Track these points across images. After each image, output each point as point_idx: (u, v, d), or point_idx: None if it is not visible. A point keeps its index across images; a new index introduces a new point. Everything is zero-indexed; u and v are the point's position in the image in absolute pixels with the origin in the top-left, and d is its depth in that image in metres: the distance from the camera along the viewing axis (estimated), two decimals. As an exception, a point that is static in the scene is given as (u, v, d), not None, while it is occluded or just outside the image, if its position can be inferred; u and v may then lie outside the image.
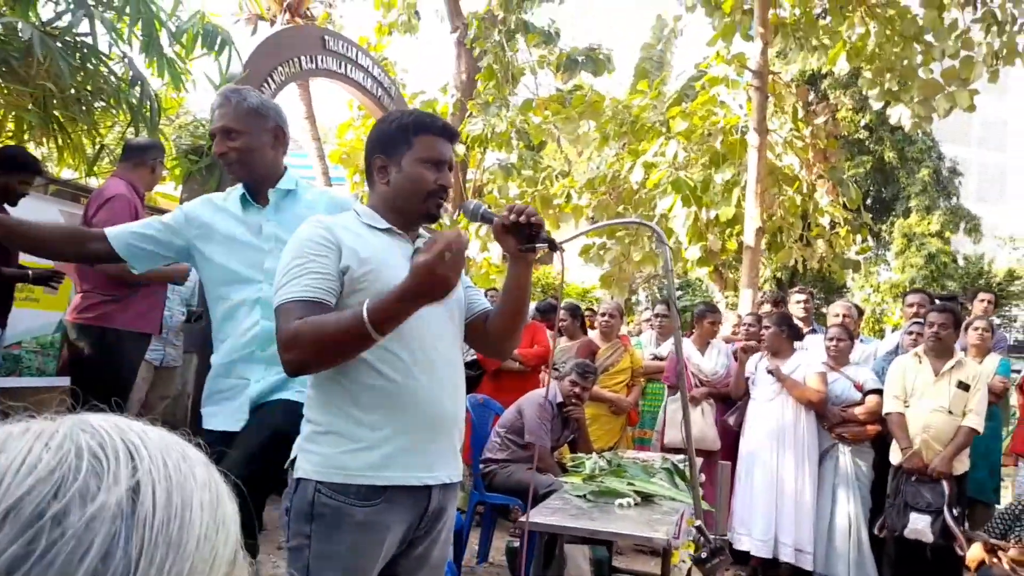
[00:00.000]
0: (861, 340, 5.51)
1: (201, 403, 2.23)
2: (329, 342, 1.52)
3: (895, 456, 4.21)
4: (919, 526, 3.99)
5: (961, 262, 16.92)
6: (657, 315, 5.85)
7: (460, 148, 10.76)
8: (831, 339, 4.68)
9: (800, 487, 4.45)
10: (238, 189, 2.24)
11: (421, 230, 1.84)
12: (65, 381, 4.65)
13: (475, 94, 10.95)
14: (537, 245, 1.69)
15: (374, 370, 1.61)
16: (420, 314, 1.57)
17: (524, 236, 1.67)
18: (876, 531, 4.26)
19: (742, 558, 4.58)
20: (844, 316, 5.11)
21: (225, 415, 2.13)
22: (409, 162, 1.71)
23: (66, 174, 5.63)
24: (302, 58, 6.95)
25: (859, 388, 4.54)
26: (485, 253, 11.34)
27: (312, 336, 1.52)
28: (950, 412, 4.08)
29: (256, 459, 1.97)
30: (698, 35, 10.09)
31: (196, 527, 0.41)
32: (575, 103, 9.48)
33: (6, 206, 3.64)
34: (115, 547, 0.38)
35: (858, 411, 4.48)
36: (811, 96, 10.18)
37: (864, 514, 4.41)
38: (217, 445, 1.93)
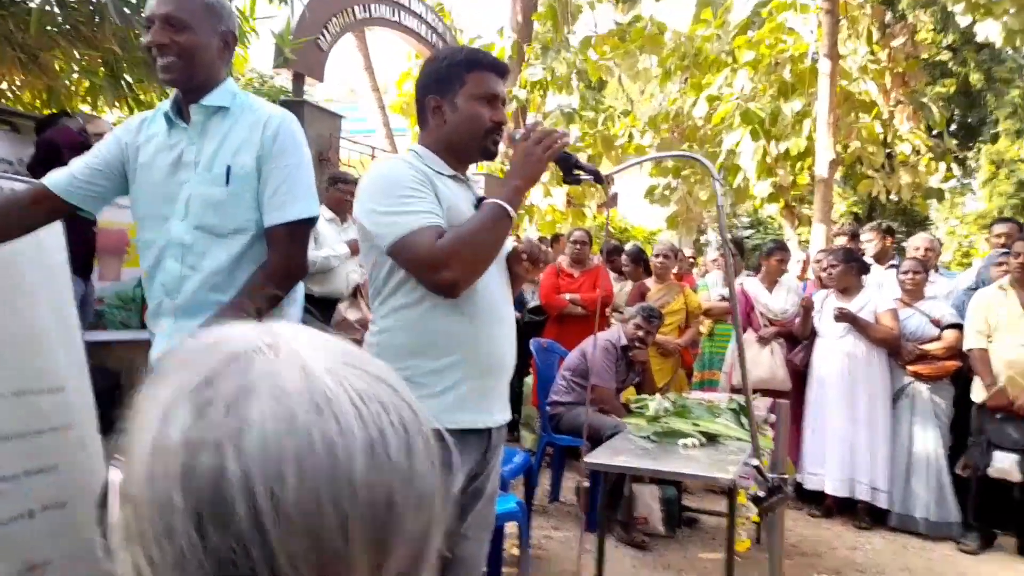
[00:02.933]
0: (942, 274, 5.26)
1: None
2: (484, 242, 1.60)
3: (978, 394, 4.04)
4: (1005, 465, 3.85)
5: (1056, 188, 15.78)
6: (723, 254, 5.71)
7: (521, 93, 10.62)
8: (905, 272, 4.48)
9: (874, 424, 4.34)
10: (163, 106, 1.86)
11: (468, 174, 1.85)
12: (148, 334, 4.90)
13: (533, 35, 10.71)
14: (582, 177, 1.69)
15: (444, 318, 1.64)
16: None
17: (567, 169, 1.68)
18: (958, 470, 4.12)
19: (816, 498, 4.53)
20: (926, 250, 4.87)
21: None
22: (464, 100, 1.70)
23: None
24: (356, 7, 6.94)
25: (936, 323, 4.35)
26: (549, 199, 11.26)
27: (469, 244, 1.57)
28: (1039, 346, 3.87)
29: None
30: (765, -43, 9.53)
31: None
32: (634, 36, 9.15)
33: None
34: None
35: (935, 347, 4.30)
36: (888, 17, 9.54)
37: (944, 452, 4.28)
38: None
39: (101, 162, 1.85)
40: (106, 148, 1.87)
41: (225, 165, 1.75)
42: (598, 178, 1.70)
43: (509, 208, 1.60)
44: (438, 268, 1.56)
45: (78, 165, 1.86)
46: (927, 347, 4.32)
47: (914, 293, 4.46)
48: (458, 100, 1.70)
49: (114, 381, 4.68)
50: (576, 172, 1.69)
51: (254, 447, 0.41)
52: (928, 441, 4.28)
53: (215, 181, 1.74)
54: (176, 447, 0.42)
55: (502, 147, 2.00)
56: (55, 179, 1.83)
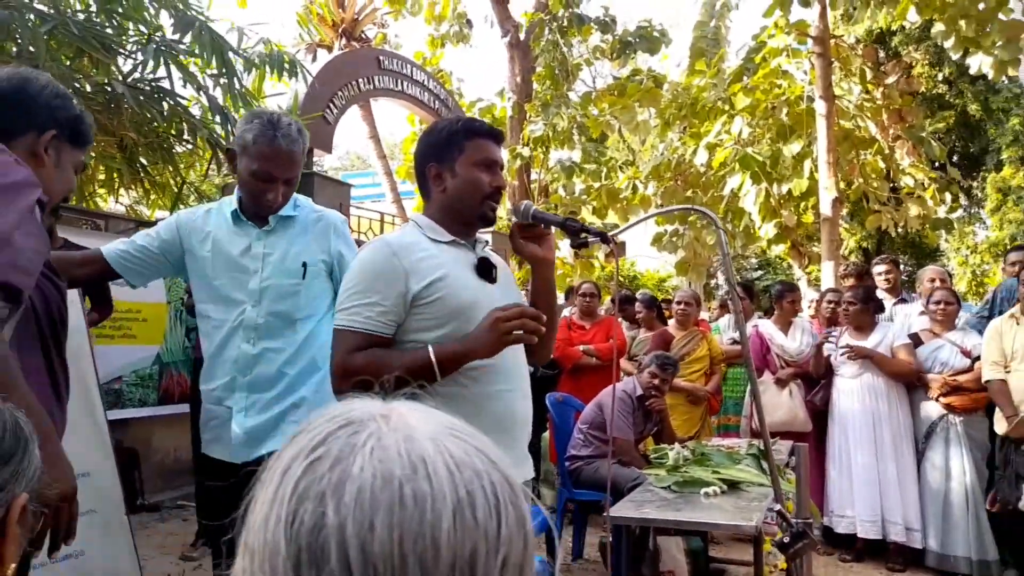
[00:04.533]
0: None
1: (200, 426, 2.14)
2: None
3: (1000, 425, 3.97)
4: (1034, 498, 3.75)
5: (1066, 212, 15.70)
6: (732, 300, 5.72)
7: (524, 150, 10.82)
8: (937, 303, 4.42)
9: (901, 461, 4.26)
10: (229, 202, 2.12)
11: (479, 235, 1.86)
12: (166, 410, 4.94)
13: (533, 95, 10.97)
14: (589, 240, 1.71)
15: (459, 382, 1.65)
16: None
17: (574, 233, 1.70)
18: (988, 505, 4.03)
19: (845, 541, 4.43)
20: (940, 281, 4.86)
21: (221, 446, 2.06)
22: (463, 167, 1.74)
23: (160, 215, 6.00)
24: (360, 80, 7.16)
25: (967, 354, 4.28)
26: (558, 252, 11.36)
27: (376, 373, 1.55)
28: (1058, 375, 3.82)
29: None
30: (753, 6, 9.81)
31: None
32: (631, 91, 9.36)
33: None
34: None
35: (965, 378, 4.22)
36: (881, 55, 9.72)
37: (982, 487, 4.15)
38: (219, 472, 2.00)
39: (156, 243, 2.07)
40: (165, 231, 2.08)
41: (301, 261, 2.04)
42: (604, 239, 1.71)
43: (436, 369, 1.58)
44: (340, 378, 1.61)
45: (134, 240, 2.07)
46: (958, 379, 4.24)
47: (945, 323, 4.42)
48: (458, 167, 1.74)
49: (133, 458, 4.72)
50: (583, 235, 1.71)
51: (351, 498, 0.44)
52: (965, 475, 4.16)
53: (290, 275, 2.03)
54: (286, 498, 0.46)
55: (501, 212, 2.04)
56: (110, 247, 2.05)
